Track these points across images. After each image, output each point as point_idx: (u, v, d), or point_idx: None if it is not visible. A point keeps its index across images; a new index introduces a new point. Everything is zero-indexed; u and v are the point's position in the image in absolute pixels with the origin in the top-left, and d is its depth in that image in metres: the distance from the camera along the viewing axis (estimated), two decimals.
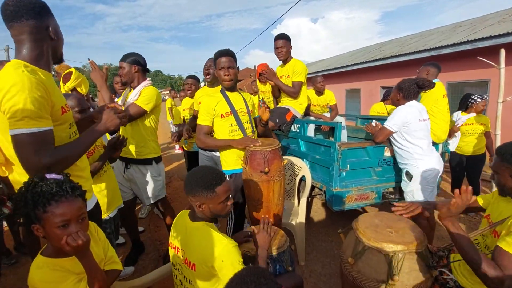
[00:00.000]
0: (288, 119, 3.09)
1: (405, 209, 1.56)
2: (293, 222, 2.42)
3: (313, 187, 3.07)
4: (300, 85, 3.05)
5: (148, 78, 2.35)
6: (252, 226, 1.49)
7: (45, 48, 1.19)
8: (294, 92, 3.05)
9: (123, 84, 3.66)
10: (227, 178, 2.14)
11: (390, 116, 2.38)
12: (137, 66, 2.24)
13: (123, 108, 2.31)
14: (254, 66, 4.11)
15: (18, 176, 1.21)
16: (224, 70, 1.99)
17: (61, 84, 2.79)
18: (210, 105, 2.03)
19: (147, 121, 2.27)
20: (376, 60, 8.26)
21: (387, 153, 2.66)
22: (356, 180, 2.59)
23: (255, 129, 2.21)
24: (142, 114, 2.19)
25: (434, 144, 2.68)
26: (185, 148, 3.78)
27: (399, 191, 2.71)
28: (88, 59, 2.10)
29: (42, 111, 1.06)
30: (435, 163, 2.30)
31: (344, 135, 3.82)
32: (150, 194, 2.38)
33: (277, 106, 3.44)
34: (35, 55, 1.16)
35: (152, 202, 2.43)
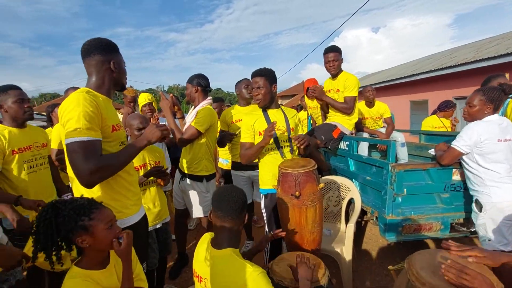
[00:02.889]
0: (335, 136, 2.89)
1: (459, 250, 1.16)
2: (338, 250, 2.19)
3: (365, 211, 2.78)
4: (354, 100, 2.86)
5: (209, 98, 2.48)
6: (284, 255, 1.36)
7: (106, 78, 1.37)
8: (347, 108, 2.86)
9: (187, 103, 3.91)
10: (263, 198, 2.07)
11: (459, 134, 2.01)
12: (198, 87, 2.40)
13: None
14: (303, 81, 4.03)
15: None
16: (254, 90, 2.02)
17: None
18: (249, 123, 2.04)
19: (202, 140, 2.37)
20: (446, 68, 7.32)
21: (457, 177, 2.26)
22: (415, 207, 2.25)
23: (295, 147, 2.10)
24: (197, 135, 2.31)
25: None
26: (224, 167, 3.74)
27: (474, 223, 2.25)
28: (160, 91, 2.36)
29: (93, 124, 1.19)
30: None
31: (404, 153, 3.41)
32: (197, 208, 2.47)
33: (324, 122, 3.27)
34: (98, 84, 1.36)
35: (198, 216, 2.50)
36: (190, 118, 2.38)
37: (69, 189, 2.59)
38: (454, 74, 7.22)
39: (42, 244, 1.02)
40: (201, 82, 2.41)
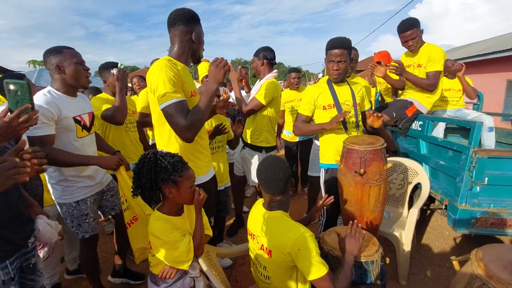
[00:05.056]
0: (409, 114, 2.63)
1: None
2: (397, 234, 2.10)
3: (432, 199, 2.56)
4: (437, 75, 2.48)
5: (275, 71, 2.49)
6: (337, 228, 1.38)
7: (187, 48, 1.48)
8: (430, 85, 2.50)
9: (253, 76, 4.08)
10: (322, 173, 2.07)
11: None
12: (264, 60, 2.43)
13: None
14: (374, 53, 3.73)
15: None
16: (333, 64, 1.85)
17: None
18: (312, 96, 1.99)
19: (265, 112, 2.44)
20: None
21: None
22: (497, 200, 1.99)
23: (360, 123, 2.02)
24: (260, 107, 2.38)
25: None
26: (287, 139, 3.82)
27: None
28: (230, 64, 2.48)
29: (176, 87, 1.33)
30: None
31: (491, 139, 2.96)
32: (254, 176, 2.61)
33: (399, 98, 2.99)
34: (179, 52, 1.47)
35: (254, 184, 2.65)
36: (254, 90, 2.45)
37: (151, 147, 3.02)
38: None
39: (143, 184, 1.22)
40: (267, 55, 2.42)
